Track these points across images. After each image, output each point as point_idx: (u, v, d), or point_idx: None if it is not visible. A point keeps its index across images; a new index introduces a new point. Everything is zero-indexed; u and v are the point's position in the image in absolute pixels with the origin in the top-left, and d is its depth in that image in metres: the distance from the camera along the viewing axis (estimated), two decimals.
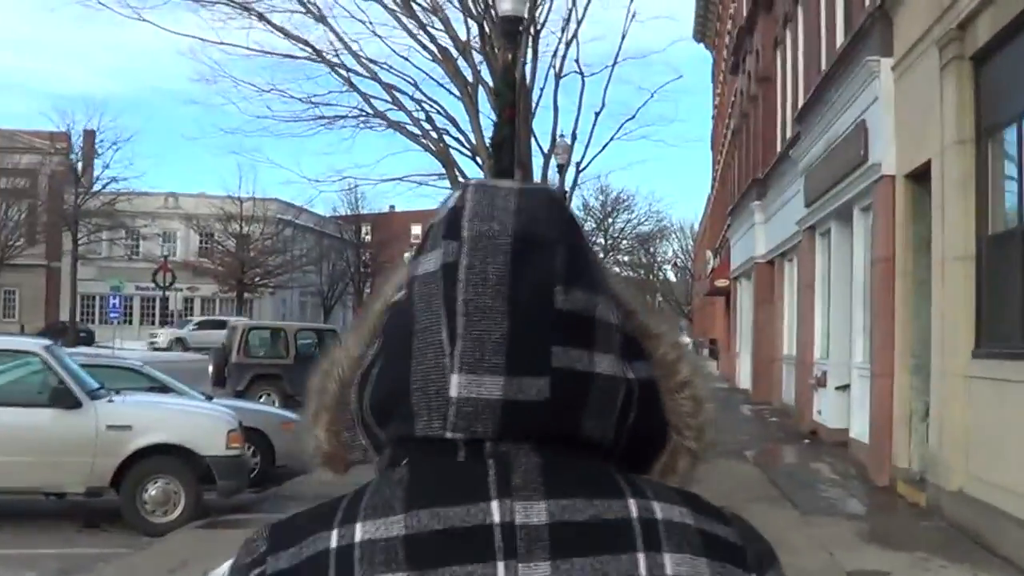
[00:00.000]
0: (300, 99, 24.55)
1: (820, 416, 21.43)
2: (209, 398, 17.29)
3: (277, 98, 24.81)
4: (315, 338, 30.49)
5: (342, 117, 24.66)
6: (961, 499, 12.14)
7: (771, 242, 30.46)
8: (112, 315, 61.87)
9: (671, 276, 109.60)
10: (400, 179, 25.34)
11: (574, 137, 24.71)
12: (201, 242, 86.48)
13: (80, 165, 73.98)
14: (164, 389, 16.85)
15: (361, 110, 24.10)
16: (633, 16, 25.91)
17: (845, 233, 20.25)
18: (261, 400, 27.43)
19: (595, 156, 26.35)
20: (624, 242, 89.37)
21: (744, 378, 36.92)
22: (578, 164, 26.03)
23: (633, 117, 26.61)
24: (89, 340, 70.96)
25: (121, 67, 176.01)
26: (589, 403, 1.14)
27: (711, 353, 65.86)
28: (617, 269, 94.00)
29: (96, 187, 72.76)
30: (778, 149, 30.22)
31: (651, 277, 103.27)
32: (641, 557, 1.08)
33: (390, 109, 23.25)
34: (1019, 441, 10.73)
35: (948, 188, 12.92)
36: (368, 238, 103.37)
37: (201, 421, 13.74)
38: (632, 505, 1.12)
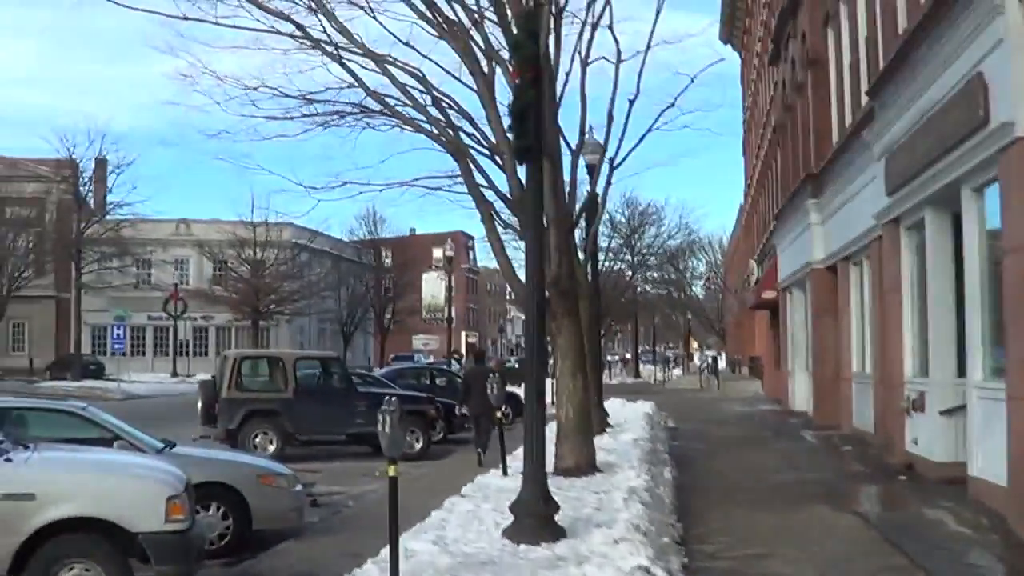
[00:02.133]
0: (292, 96, 21.04)
1: (917, 447, 17.72)
2: (168, 446, 13.75)
3: (267, 97, 21.28)
4: (319, 367, 27.00)
5: (340, 114, 21.18)
6: None
7: (832, 244, 26.78)
8: (116, 346, 59.26)
9: (699, 292, 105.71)
10: (409, 184, 21.54)
11: (610, 119, 20.88)
12: (214, 269, 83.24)
13: (86, 192, 71.77)
14: (111, 440, 13.35)
15: (362, 106, 20.66)
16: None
17: (944, 222, 16.65)
18: (257, 440, 23.98)
19: (632, 149, 22.60)
20: (652, 259, 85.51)
21: (800, 399, 33.18)
22: (611, 160, 22.36)
23: (673, 104, 22.67)
24: (98, 373, 68.45)
25: (124, 94, 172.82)
26: None
27: (751, 371, 62.14)
28: (648, 287, 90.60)
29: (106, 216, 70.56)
30: (835, 138, 26.70)
31: (681, 295, 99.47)
32: None
33: (397, 104, 19.90)
34: None
35: None
36: (388, 262, 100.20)
37: (131, 485, 10.02)
38: None
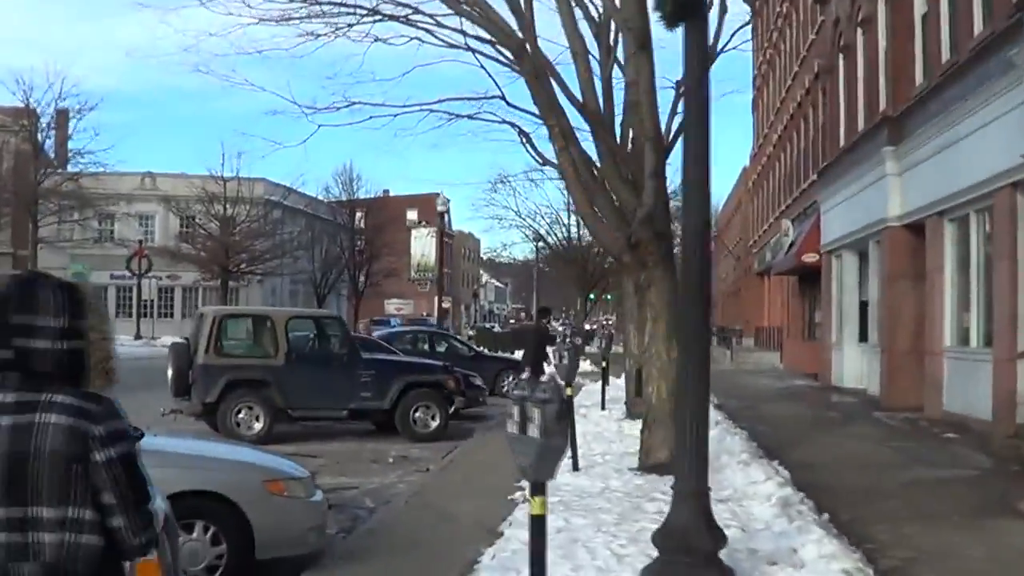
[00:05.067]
0: None
1: None
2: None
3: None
4: (314, 329, 22.75)
5: (350, 15, 17.01)
6: None
7: (918, 198, 22.74)
8: None
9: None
10: (431, 107, 17.39)
11: None
12: (181, 225, 78.19)
13: (43, 139, 66.76)
14: None
15: (376, 11, 16.66)
16: None
17: None
18: (240, 416, 19.95)
19: (736, 31, 16.85)
20: None
21: (850, 375, 29.32)
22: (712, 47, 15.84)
23: None
24: None
25: (90, 52, 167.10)
26: (32, 357, 3.35)
27: (756, 342, 58.33)
28: None
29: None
30: (918, 75, 22.91)
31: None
32: (38, 415, 3.27)
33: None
34: None
35: None
36: (362, 224, 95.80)
37: None
38: (43, 395, 3.30)
